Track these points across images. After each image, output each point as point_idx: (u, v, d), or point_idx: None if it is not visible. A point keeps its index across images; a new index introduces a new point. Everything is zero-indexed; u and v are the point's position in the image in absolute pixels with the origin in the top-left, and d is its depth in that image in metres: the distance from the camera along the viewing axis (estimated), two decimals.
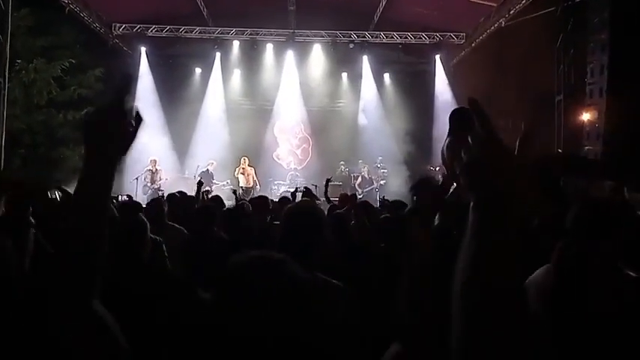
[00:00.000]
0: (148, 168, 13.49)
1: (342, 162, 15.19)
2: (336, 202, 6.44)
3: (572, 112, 9.54)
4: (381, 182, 15.12)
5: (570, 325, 1.41)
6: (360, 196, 13.32)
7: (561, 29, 9.93)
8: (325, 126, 15.85)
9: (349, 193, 12.45)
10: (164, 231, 3.92)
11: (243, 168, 14.12)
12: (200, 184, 6.12)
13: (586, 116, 8.48)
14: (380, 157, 15.46)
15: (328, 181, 7.15)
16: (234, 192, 8.22)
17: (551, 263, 1.72)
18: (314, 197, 6.14)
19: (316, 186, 10.53)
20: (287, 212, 1.92)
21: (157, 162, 13.69)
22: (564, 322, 1.43)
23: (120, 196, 9.56)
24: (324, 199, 6.67)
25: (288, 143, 16.39)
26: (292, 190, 6.99)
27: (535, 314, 1.48)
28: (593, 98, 8.43)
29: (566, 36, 9.80)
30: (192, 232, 4.04)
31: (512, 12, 12.14)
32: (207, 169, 13.91)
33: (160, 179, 13.72)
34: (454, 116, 3.76)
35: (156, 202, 5.00)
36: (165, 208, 4.70)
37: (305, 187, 6.87)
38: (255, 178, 14.09)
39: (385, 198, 7.85)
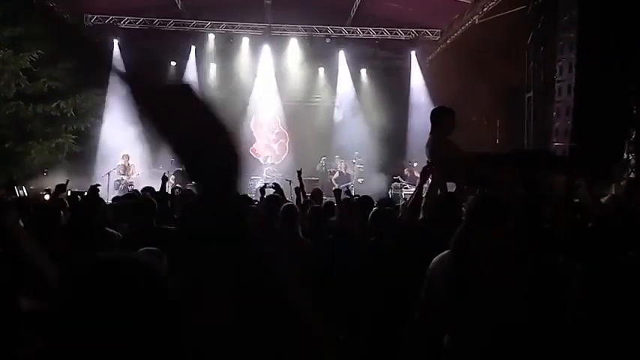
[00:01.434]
0: (121, 163, 13.25)
1: (323, 157, 15.04)
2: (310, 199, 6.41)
3: (542, 108, 9.67)
4: (359, 180, 15.08)
5: (462, 295, 1.91)
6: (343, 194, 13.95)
7: (532, 27, 10.05)
8: (302, 121, 15.78)
9: (329, 188, 12.02)
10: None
11: None
12: (165, 179, 5.89)
13: (555, 113, 8.62)
14: (356, 153, 15.47)
15: (299, 173, 6.94)
16: None
17: (450, 246, 2.10)
18: (282, 193, 6.08)
19: (290, 181, 10.38)
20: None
21: (129, 157, 13.47)
22: (458, 292, 1.91)
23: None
24: (295, 194, 6.47)
25: (264, 138, 16.30)
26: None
27: (439, 286, 1.98)
28: (561, 95, 8.56)
29: (536, 34, 9.92)
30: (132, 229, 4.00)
31: (485, 9, 12.25)
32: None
33: (133, 174, 13.49)
34: (434, 115, 4.18)
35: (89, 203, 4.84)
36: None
37: (274, 183, 6.75)
38: None
39: (348, 191, 7.79)
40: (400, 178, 13.91)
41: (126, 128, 13.02)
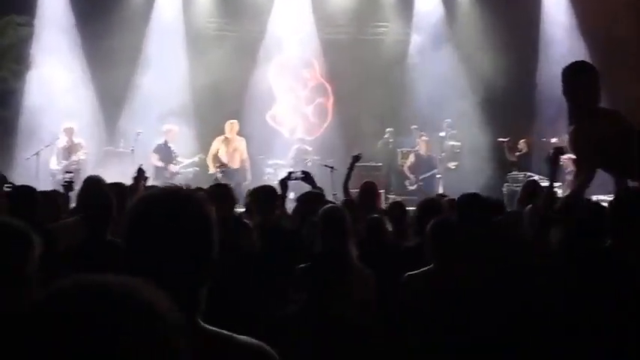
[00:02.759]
0: (61, 140, 8.67)
1: (389, 129, 9.76)
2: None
3: None
4: (451, 165, 9.43)
5: None
6: (413, 187, 9.29)
7: None
8: (354, 67, 9.93)
9: (399, 181, 9.40)
10: None
11: (227, 138, 8.95)
12: (140, 172, 4.10)
13: None
14: (447, 121, 9.60)
15: (356, 159, 4.98)
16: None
17: None
18: (317, 188, 4.18)
19: (332, 168, 6.88)
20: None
21: (73, 131, 8.75)
22: None
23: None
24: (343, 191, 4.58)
25: (291, 95, 10.45)
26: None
27: None
28: None
29: None
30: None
31: None
32: (165, 141, 8.79)
33: (78, 156, 8.71)
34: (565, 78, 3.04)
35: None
36: None
37: (303, 172, 4.55)
38: (244, 156, 9.03)
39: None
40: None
41: (67, 83, 9.20)
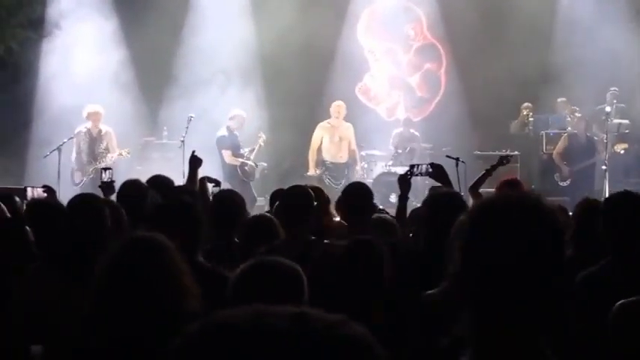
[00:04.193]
0: (83, 129, 6.85)
1: (526, 104, 7.46)
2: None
3: None
4: (618, 149, 7.02)
5: None
6: (565, 183, 7.07)
7: None
8: (476, 21, 7.41)
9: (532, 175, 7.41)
10: None
11: (332, 126, 7.06)
12: (195, 160, 3.60)
13: None
14: (613, 90, 7.13)
15: (503, 162, 4.30)
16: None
17: None
18: (450, 187, 3.33)
19: (458, 160, 4.76)
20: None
21: (100, 116, 6.84)
22: None
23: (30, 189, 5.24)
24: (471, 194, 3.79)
25: (389, 61, 8.03)
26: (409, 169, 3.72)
27: None
28: None
29: None
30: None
31: None
32: (229, 128, 6.79)
33: (109, 151, 6.87)
34: None
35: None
36: None
37: (432, 164, 3.76)
38: (352, 146, 7.16)
39: None
40: None
41: (97, 48, 7.41)
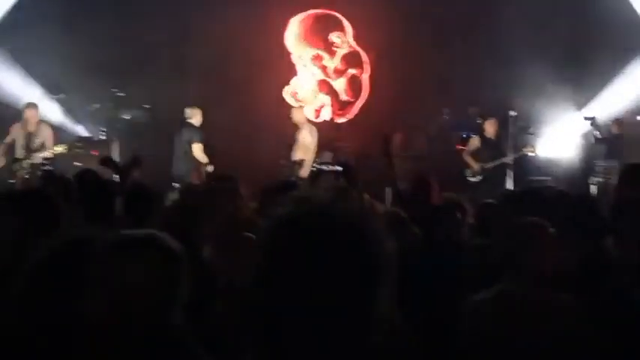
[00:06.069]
0: (18, 125, 6.67)
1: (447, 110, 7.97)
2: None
3: None
4: (527, 151, 7.50)
5: None
6: (475, 179, 7.50)
7: None
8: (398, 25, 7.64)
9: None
10: None
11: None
12: (135, 162, 3.29)
13: None
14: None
15: (386, 141, 4.03)
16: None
17: None
18: (354, 184, 3.33)
19: None
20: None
21: (37, 110, 6.74)
22: None
23: None
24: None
25: (316, 63, 8.28)
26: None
27: None
28: None
29: None
30: None
31: None
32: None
33: (45, 147, 6.64)
34: None
35: None
36: None
37: (339, 162, 4.72)
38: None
39: None
40: None
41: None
